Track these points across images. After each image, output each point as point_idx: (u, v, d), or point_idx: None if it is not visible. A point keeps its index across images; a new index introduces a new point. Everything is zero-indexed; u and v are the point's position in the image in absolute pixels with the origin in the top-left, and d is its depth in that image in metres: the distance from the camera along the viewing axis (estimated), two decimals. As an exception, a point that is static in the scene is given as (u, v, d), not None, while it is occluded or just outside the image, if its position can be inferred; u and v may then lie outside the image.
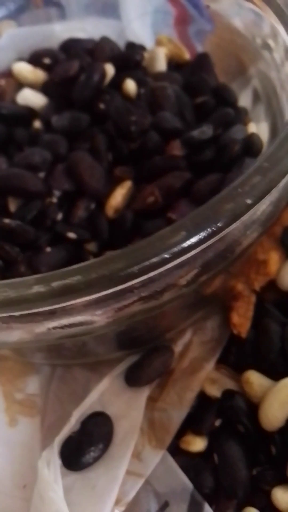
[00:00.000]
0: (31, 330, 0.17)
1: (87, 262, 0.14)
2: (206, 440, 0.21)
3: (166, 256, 0.14)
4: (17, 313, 0.15)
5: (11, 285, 0.14)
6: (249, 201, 0.14)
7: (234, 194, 0.14)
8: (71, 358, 0.24)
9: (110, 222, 0.23)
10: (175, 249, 0.14)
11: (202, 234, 0.14)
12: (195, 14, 0.30)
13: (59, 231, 0.23)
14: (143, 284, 0.15)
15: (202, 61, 0.28)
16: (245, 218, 0.15)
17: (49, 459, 0.21)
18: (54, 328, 0.16)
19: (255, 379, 0.21)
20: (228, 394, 0.22)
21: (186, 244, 0.14)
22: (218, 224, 0.14)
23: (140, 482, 0.20)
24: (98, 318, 0.17)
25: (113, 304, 0.16)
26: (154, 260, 0.14)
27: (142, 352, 0.23)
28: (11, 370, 0.24)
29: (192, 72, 0.27)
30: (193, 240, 0.14)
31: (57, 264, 0.22)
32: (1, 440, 0.22)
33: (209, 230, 0.14)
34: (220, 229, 0.14)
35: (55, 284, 0.14)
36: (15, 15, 0.30)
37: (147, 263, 0.14)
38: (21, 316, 0.15)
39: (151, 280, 0.15)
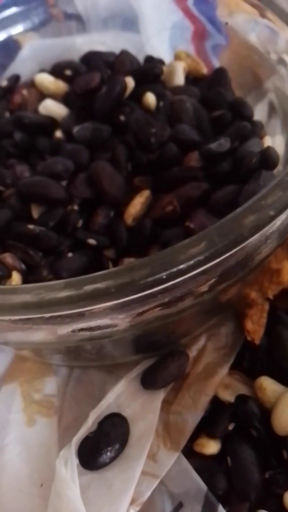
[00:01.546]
0: (55, 332, 0.17)
1: (116, 268, 0.15)
2: (219, 443, 0.22)
3: (192, 263, 0.15)
4: (47, 315, 0.15)
5: (44, 288, 0.15)
6: (272, 213, 0.15)
7: (258, 206, 0.15)
8: (88, 360, 0.24)
9: (129, 229, 0.24)
10: (201, 257, 0.15)
11: (227, 244, 0.15)
12: (212, 30, 0.31)
13: (79, 237, 0.23)
14: (167, 290, 0.16)
15: (219, 76, 0.29)
16: (266, 228, 0.15)
17: (67, 458, 0.21)
18: (79, 330, 0.17)
19: (268, 385, 0.22)
20: (241, 399, 0.22)
21: (211, 252, 0.15)
22: (242, 234, 0.15)
23: (155, 483, 0.21)
24: (120, 322, 0.17)
25: (136, 309, 0.17)
26: (181, 267, 0.15)
27: (158, 356, 0.23)
28: (29, 371, 0.25)
29: (209, 86, 0.28)
30: (218, 248, 0.15)
31: (77, 269, 0.22)
32: (19, 440, 0.23)
33: (233, 239, 0.15)
34: (244, 239, 0.15)
35: (87, 288, 0.15)
36: (38, 28, 0.31)
37: (174, 270, 0.15)
38: (51, 317, 0.16)
39: (175, 286, 0.16)
